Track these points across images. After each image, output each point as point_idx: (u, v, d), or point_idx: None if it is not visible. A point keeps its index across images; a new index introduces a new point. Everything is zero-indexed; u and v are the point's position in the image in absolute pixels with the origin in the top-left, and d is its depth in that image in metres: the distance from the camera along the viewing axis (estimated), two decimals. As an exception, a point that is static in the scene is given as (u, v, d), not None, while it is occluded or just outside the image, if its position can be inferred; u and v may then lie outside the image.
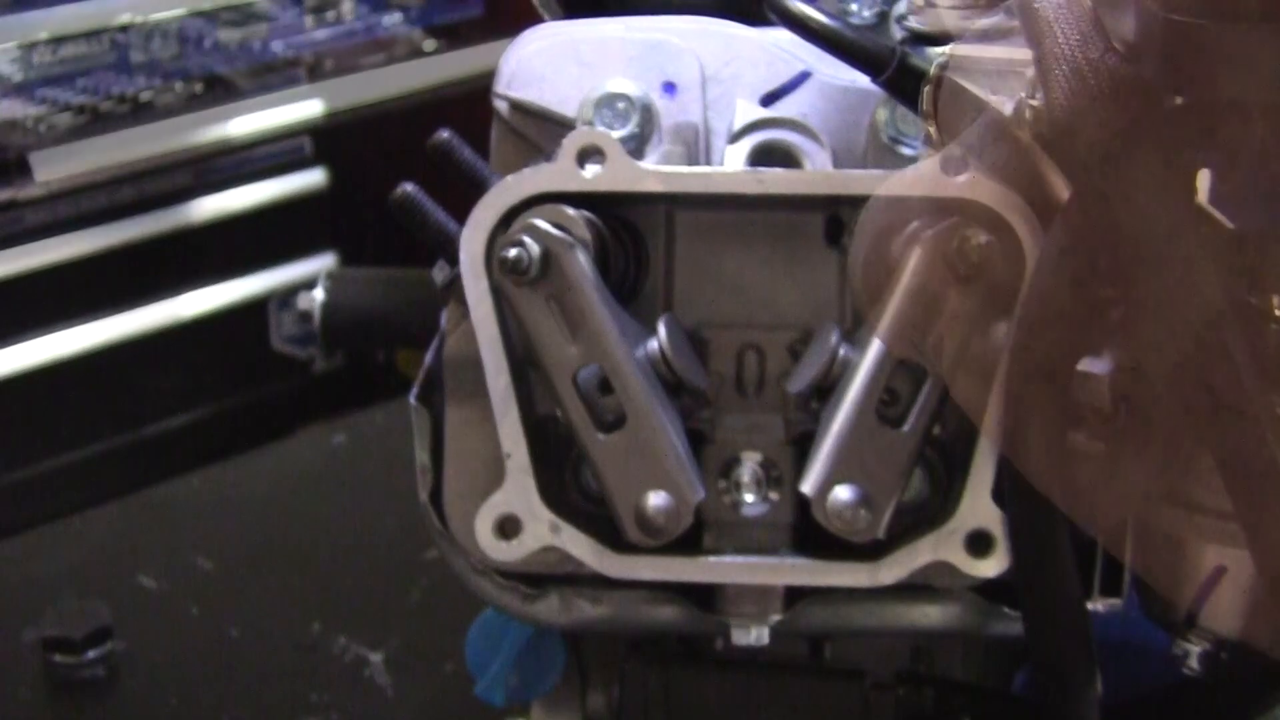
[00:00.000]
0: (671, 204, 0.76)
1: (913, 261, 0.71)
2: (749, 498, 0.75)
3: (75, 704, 1.23)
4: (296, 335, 2.27)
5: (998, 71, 0.76)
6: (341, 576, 1.35)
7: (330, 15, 2.52)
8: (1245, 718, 0.74)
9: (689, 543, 0.74)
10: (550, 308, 0.72)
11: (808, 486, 0.71)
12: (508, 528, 0.74)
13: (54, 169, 2.02)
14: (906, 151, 0.76)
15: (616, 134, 0.75)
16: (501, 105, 0.79)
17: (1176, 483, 0.70)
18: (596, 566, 0.74)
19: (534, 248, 0.71)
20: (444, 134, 0.78)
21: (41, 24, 2.32)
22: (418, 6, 2.34)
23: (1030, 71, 0.72)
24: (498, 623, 0.90)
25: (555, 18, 0.84)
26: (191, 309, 2.22)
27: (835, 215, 0.76)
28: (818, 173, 0.75)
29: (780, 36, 0.78)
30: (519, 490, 0.73)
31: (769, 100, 0.78)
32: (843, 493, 0.71)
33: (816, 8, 0.73)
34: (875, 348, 0.71)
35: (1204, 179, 0.71)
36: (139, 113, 2.18)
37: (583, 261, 0.71)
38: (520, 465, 0.73)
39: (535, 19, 0.84)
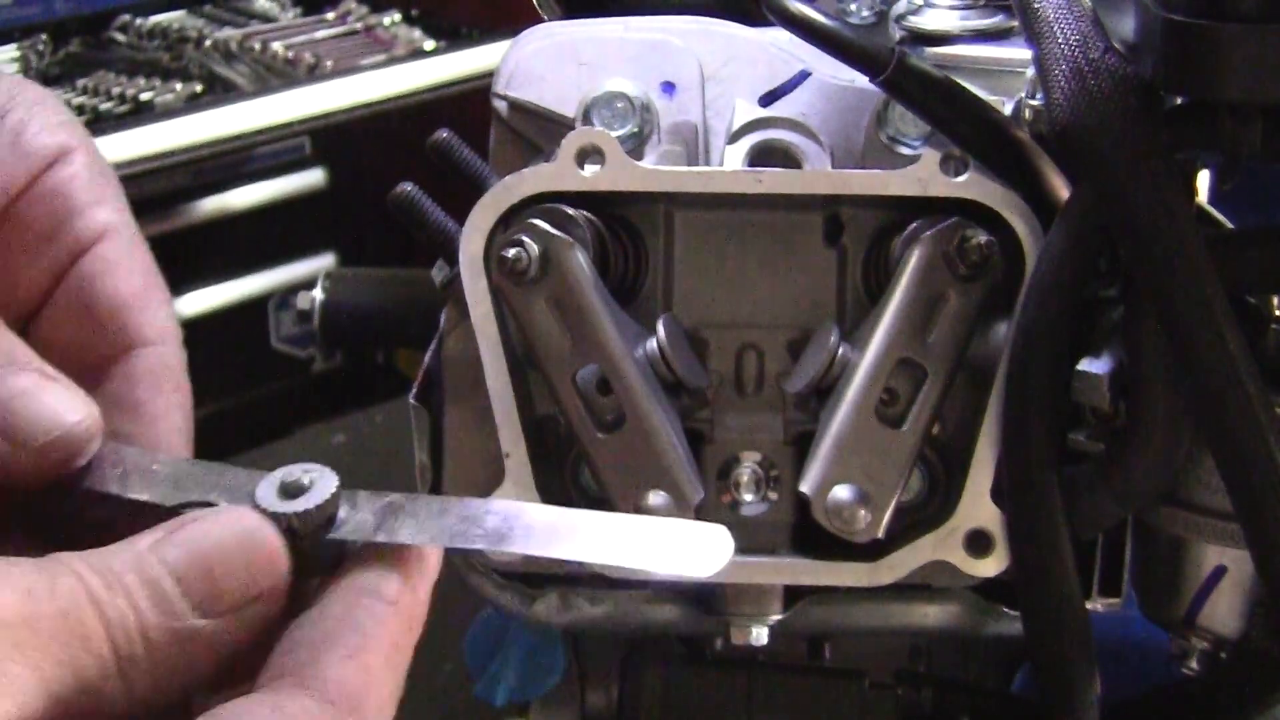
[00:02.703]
0: (671, 204, 0.76)
1: (913, 261, 0.71)
2: (748, 497, 0.75)
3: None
4: (296, 335, 2.28)
5: (997, 71, 0.76)
6: (341, 576, 1.35)
7: (331, 15, 2.52)
8: (1245, 718, 0.74)
9: (688, 543, 0.74)
10: (549, 308, 0.72)
11: (807, 486, 0.71)
12: (507, 528, 0.74)
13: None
14: (905, 151, 0.76)
15: (615, 134, 0.75)
16: (501, 105, 0.79)
17: (1176, 483, 0.70)
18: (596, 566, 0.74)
19: (533, 248, 0.71)
20: (443, 134, 0.78)
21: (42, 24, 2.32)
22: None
23: (1030, 71, 0.72)
24: (498, 622, 0.90)
25: (555, 18, 0.84)
26: (191, 308, 2.23)
27: (834, 215, 0.76)
28: (816, 172, 0.75)
29: (779, 36, 0.77)
30: (518, 490, 0.73)
31: (768, 100, 0.78)
32: (842, 492, 0.71)
33: (815, 8, 0.73)
34: (875, 347, 0.71)
35: (1204, 179, 0.71)
36: (139, 113, 2.18)
37: (582, 261, 0.71)
38: (520, 465, 0.73)
39: (535, 19, 0.84)
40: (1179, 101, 0.65)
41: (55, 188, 0.62)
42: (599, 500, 0.74)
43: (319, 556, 0.54)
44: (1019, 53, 0.75)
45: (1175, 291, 0.63)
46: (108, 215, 0.62)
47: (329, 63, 2.31)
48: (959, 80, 0.72)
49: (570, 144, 0.72)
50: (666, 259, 0.77)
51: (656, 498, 0.71)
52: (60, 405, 0.56)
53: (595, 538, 0.54)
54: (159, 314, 0.63)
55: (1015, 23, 0.74)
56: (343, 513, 0.54)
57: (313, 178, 2.27)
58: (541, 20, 0.84)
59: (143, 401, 0.61)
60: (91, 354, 0.61)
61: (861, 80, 0.74)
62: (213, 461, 0.57)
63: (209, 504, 0.54)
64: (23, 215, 0.61)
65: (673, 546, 0.54)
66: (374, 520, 0.54)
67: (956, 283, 0.71)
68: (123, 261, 0.62)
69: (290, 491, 0.53)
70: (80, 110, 2.17)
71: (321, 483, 0.54)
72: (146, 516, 0.55)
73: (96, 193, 0.62)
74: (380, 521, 0.54)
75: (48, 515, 0.58)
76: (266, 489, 0.54)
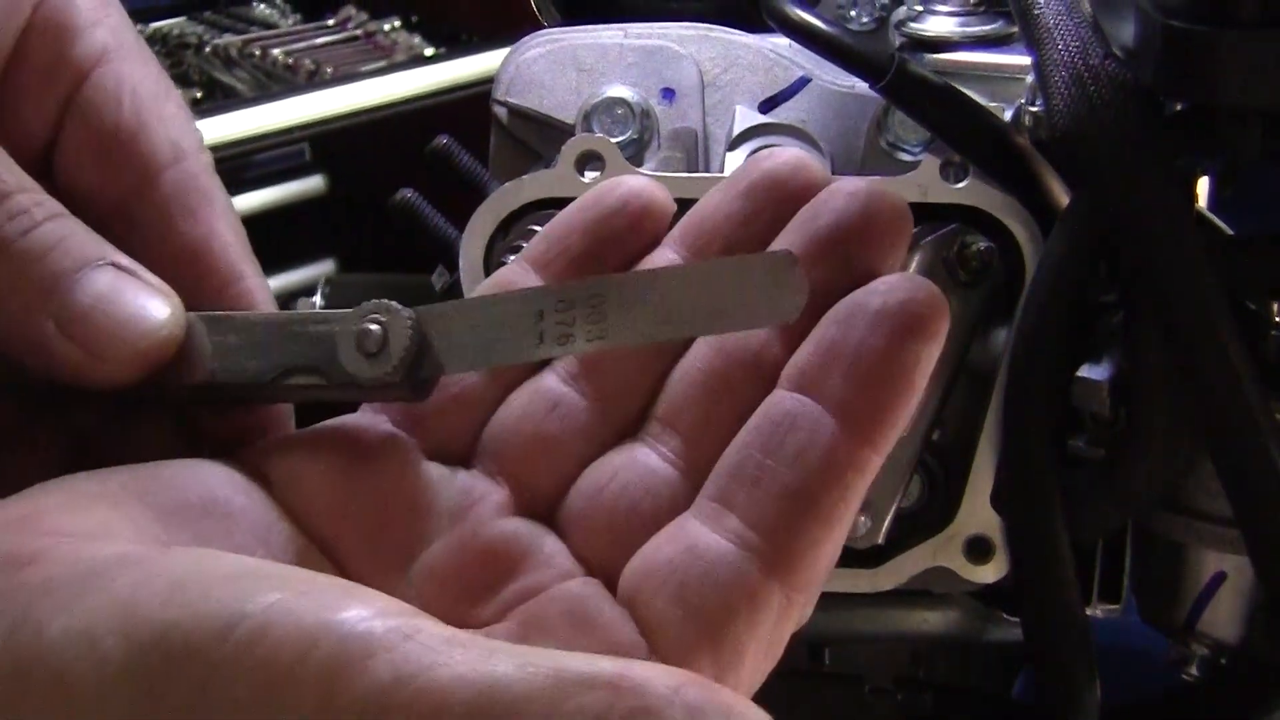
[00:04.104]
0: (671, 210, 0.76)
1: (912, 266, 0.71)
2: (748, 503, 0.74)
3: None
4: (296, 341, 2.27)
5: (997, 77, 0.76)
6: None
7: (331, 21, 2.52)
8: (1245, 724, 0.74)
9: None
10: (549, 313, 0.71)
11: (807, 492, 0.71)
12: (507, 533, 0.74)
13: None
14: (905, 157, 0.76)
15: (615, 140, 0.75)
16: (500, 111, 0.79)
17: (1176, 488, 0.70)
18: (596, 572, 0.74)
19: (533, 253, 0.71)
20: (443, 140, 0.78)
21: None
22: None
23: (1029, 77, 0.72)
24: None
25: (554, 24, 0.84)
26: (191, 314, 2.23)
27: (834, 221, 0.76)
28: (817, 178, 0.75)
29: (779, 42, 0.78)
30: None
31: (768, 106, 0.78)
32: (842, 498, 0.71)
33: (815, 14, 0.73)
34: (874, 353, 0.71)
35: (1204, 185, 0.71)
36: (139, 119, 2.17)
37: (582, 267, 0.71)
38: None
39: (535, 25, 0.84)
40: (1179, 107, 0.65)
41: (48, 17, 0.55)
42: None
43: (428, 380, 0.53)
44: (1019, 59, 0.75)
45: (1175, 297, 0.63)
46: (104, 36, 0.56)
47: (329, 69, 2.31)
48: (959, 86, 0.72)
49: (570, 150, 0.72)
50: (666, 265, 0.77)
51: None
52: (143, 306, 0.52)
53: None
54: (171, 130, 0.57)
55: (1015, 29, 0.75)
56: (437, 340, 0.52)
57: (313, 184, 2.27)
58: (541, 26, 0.84)
59: (179, 232, 0.56)
60: (112, 192, 0.56)
61: (861, 86, 0.74)
62: (277, 312, 0.56)
63: (300, 369, 0.53)
64: (25, 54, 0.55)
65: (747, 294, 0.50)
66: (472, 344, 0.52)
67: (956, 289, 0.71)
68: (124, 84, 0.56)
69: (369, 349, 0.52)
70: (80, 116, 2.17)
71: (394, 329, 0.52)
72: (238, 391, 0.54)
73: (91, 16, 0.56)
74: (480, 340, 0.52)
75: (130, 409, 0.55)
76: (347, 350, 0.52)
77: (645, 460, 0.53)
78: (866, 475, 0.50)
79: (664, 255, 0.56)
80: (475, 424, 0.55)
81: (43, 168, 0.56)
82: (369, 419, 0.55)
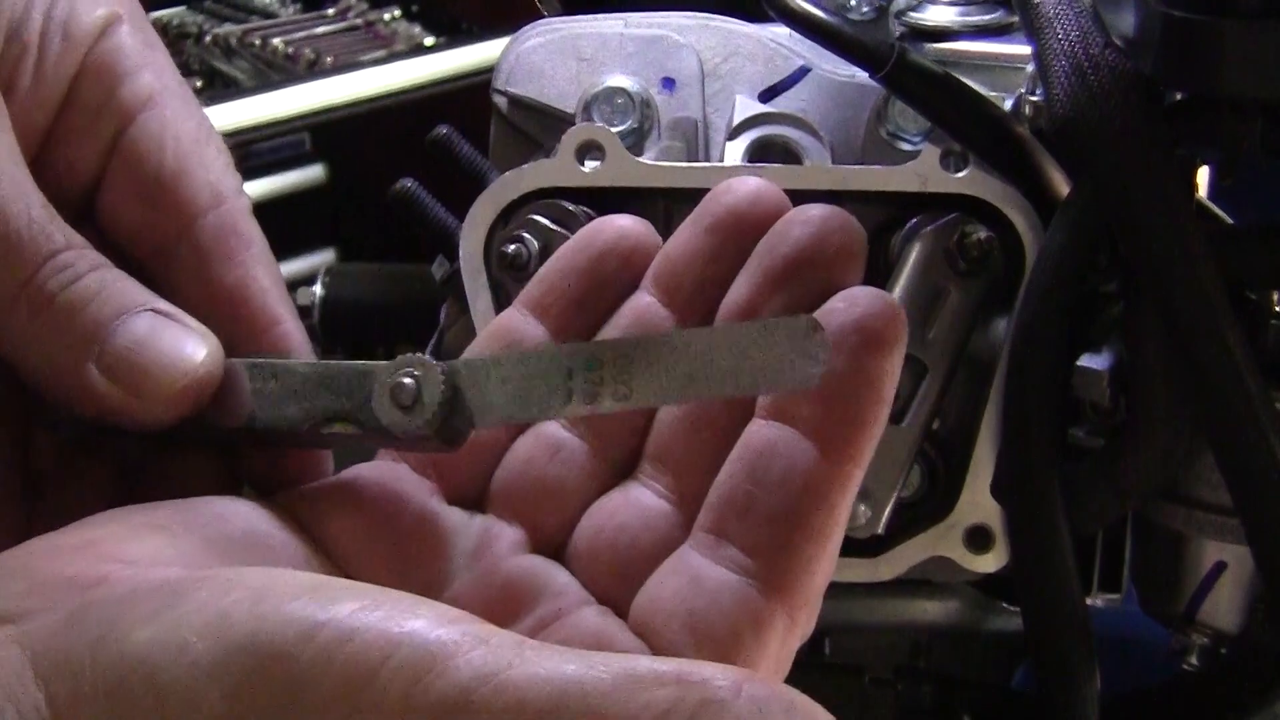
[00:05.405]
0: (670, 199, 0.76)
1: (913, 256, 0.71)
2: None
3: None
4: (296, 331, 2.26)
5: (997, 67, 0.76)
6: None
7: (331, 11, 2.52)
8: (1244, 713, 0.74)
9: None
10: (549, 303, 0.72)
11: (807, 482, 0.71)
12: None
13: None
14: (905, 147, 0.76)
15: (615, 129, 0.75)
16: (501, 101, 0.79)
17: (1176, 478, 0.70)
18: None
19: (533, 243, 0.71)
20: (443, 129, 0.78)
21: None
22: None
23: (1030, 67, 0.72)
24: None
25: (555, 13, 0.84)
26: (191, 304, 2.22)
27: (834, 211, 0.76)
28: (816, 168, 0.75)
29: (779, 32, 0.78)
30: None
31: (768, 95, 0.78)
32: (842, 488, 0.71)
33: (815, 3, 0.73)
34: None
35: (1204, 175, 0.71)
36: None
37: (582, 257, 0.71)
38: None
39: (535, 15, 0.84)
40: (1179, 97, 0.65)
41: (99, 61, 0.57)
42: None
43: (460, 432, 0.54)
44: (1019, 48, 0.75)
45: (1175, 287, 0.63)
46: (150, 80, 0.58)
47: (329, 58, 2.31)
48: (959, 76, 0.72)
49: (570, 140, 0.72)
50: (666, 254, 0.77)
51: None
52: (181, 347, 0.54)
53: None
54: (210, 174, 0.58)
55: (1015, 18, 0.74)
56: (469, 394, 0.53)
57: (313, 173, 2.27)
58: (541, 16, 0.83)
59: (217, 276, 0.58)
60: (153, 234, 0.57)
61: (862, 76, 0.74)
62: (316, 362, 0.57)
63: (334, 418, 0.54)
64: (75, 98, 0.57)
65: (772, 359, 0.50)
66: (504, 400, 0.53)
67: (956, 278, 0.71)
68: (168, 129, 0.57)
69: (403, 402, 0.53)
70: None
71: (428, 383, 0.53)
72: (277, 436, 0.56)
73: (139, 60, 0.58)
74: (514, 396, 0.53)
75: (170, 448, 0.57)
76: (382, 402, 0.53)
77: (641, 498, 0.55)
78: (850, 489, 0.52)
79: (641, 298, 0.58)
80: (488, 467, 0.57)
81: (86, 208, 0.58)
82: (391, 467, 0.57)
